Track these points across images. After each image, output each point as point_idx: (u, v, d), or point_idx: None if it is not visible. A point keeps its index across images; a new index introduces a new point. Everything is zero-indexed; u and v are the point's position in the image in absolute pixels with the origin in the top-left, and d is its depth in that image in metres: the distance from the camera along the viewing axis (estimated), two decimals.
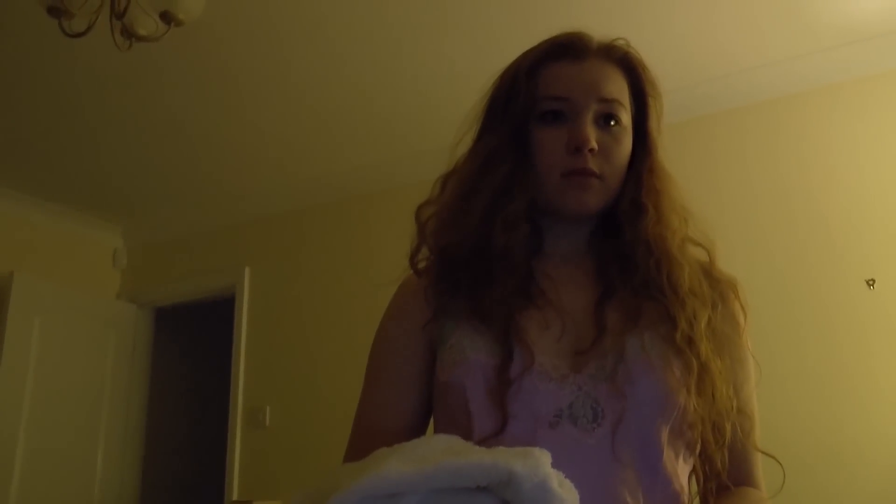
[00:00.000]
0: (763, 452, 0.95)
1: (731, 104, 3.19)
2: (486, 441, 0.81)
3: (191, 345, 5.20)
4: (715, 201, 3.07)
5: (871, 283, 2.77)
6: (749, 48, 2.99)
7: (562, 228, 0.98)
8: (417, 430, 0.97)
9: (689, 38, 2.91)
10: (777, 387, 2.78)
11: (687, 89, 3.18)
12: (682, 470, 0.87)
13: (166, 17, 2.35)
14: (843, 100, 3.01)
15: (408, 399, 0.96)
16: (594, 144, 0.91)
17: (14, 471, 3.74)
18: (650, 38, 2.86)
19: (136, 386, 4.47)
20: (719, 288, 0.96)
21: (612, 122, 0.94)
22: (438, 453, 0.60)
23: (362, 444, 0.93)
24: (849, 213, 2.89)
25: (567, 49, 0.96)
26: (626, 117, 0.96)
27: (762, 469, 0.95)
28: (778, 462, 0.94)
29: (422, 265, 1.00)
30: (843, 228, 2.88)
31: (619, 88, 0.96)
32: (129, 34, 2.35)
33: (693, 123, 3.20)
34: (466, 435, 0.81)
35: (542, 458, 0.59)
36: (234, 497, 3.89)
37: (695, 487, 0.93)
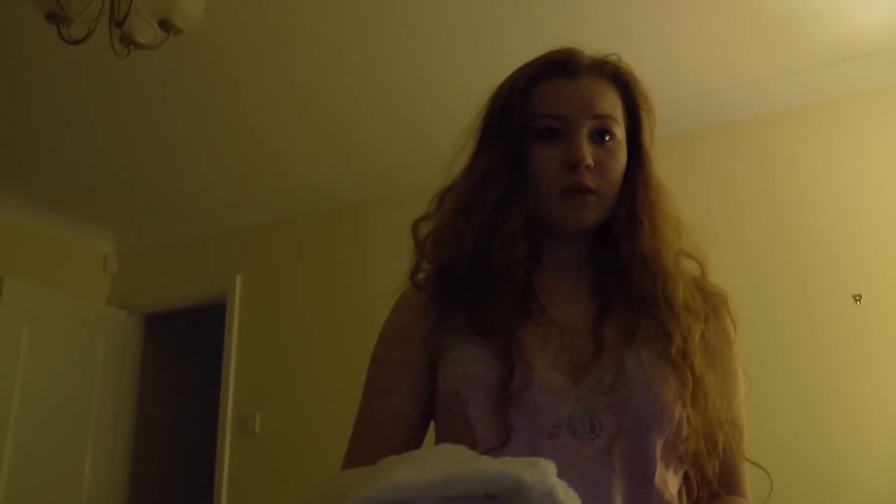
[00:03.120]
0: (751, 462, 0.97)
1: (720, 119, 3.23)
2: (489, 453, 0.83)
3: (181, 351, 5.18)
4: (703, 215, 3.06)
5: (857, 298, 2.81)
6: (739, 65, 3.03)
7: (559, 243, 1.00)
8: (416, 440, 0.98)
9: (681, 53, 2.95)
10: (765, 401, 2.80)
11: (677, 103, 3.21)
12: (672, 481, 0.90)
13: (165, 26, 2.36)
14: (831, 117, 3.05)
15: (408, 408, 0.97)
16: (590, 161, 0.93)
17: (2, 477, 3.71)
18: (642, 52, 2.90)
19: (125, 392, 4.45)
20: (711, 301, 0.99)
21: (607, 138, 0.96)
22: (447, 462, 0.62)
23: (362, 451, 0.96)
24: (836, 228, 2.93)
25: (560, 66, 0.98)
26: (620, 132, 0.98)
27: (750, 478, 0.98)
28: (766, 472, 0.97)
29: (420, 276, 1.02)
30: (830, 243, 2.92)
31: (612, 104, 0.98)
32: (128, 42, 2.35)
33: (683, 137, 3.24)
34: (469, 447, 0.83)
35: (549, 468, 0.61)
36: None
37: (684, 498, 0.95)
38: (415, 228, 1.02)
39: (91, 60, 2.85)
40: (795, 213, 3.02)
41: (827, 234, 2.94)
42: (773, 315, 2.91)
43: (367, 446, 0.95)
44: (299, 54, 2.96)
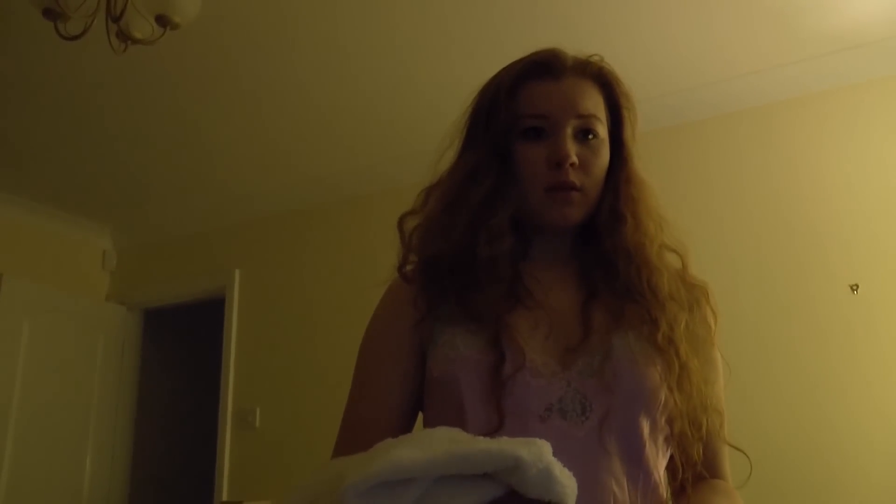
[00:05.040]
0: (732, 446, 1.01)
1: (724, 109, 3.24)
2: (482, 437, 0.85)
3: (180, 347, 5.19)
4: (705, 204, 3.13)
5: (854, 288, 2.82)
6: (742, 54, 3.04)
7: (545, 238, 1.03)
8: (406, 428, 1.00)
9: (685, 43, 2.96)
10: (763, 390, 2.83)
11: (681, 93, 3.23)
12: (660, 462, 0.93)
13: (162, 21, 2.37)
14: (833, 106, 3.06)
15: (397, 396, 0.98)
16: (575, 159, 0.96)
17: (2, 473, 3.73)
18: (646, 43, 2.91)
19: (124, 387, 4.47)
20: (693, 292, 1.02)
21: (591, 136, 0.99)
22: (444, 442, 0.63)
23: (352, 439, 0.97)
24: (836, 218, 2.94)
25: (545, 67, 1.01)
26: (602, 130, 1.00)
27: (731, 462, 1.02)
28: (745, 455, 1.01)
29: (408, 268, 1.04)
30: (830, 233, 2.93)
31: (595, 103, 1.00)
32: (125, 37, 2.36)
33: (687, 127, 3.26)
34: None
35: (545, 447, 0.63)
36: (224, 498, 3.89)
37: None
38: (401, 223, 1.05)
39: (88, 56, 2.85)
40: (797, 202, 3.03)
41: (827, 223, 2.95)
42: (773, 303, 2.94)
43: (357, 436, 0.97)
44: (299, 46, 2.95)
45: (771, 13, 2.78)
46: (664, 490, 0.93)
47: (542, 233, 1.02)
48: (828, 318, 2.85)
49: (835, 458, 2.71)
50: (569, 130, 0.97)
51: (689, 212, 3.07)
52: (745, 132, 3.20)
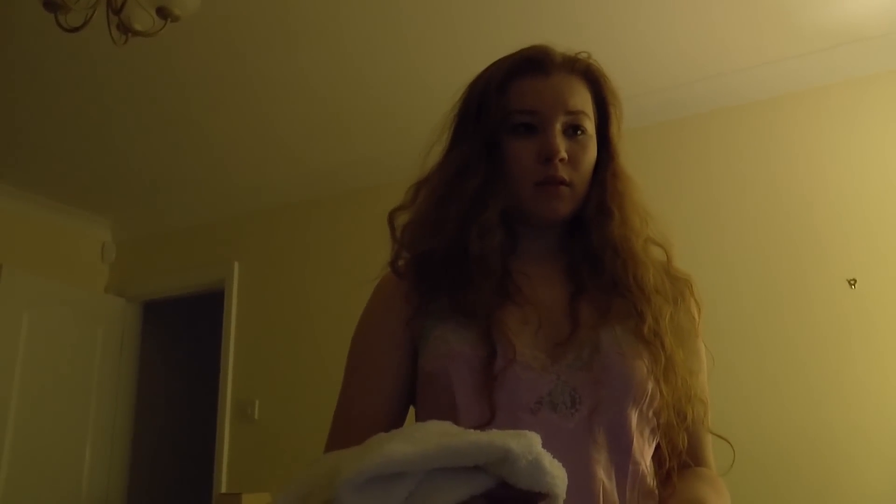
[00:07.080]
0: (715, 434, 1.04)
1: (724, 103, 3.25)
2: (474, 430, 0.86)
3: (179, 339, 5.21)
4: (705, 197, 3.14)
5: (852, 282, 2.83)
6: (743, 49, 3.04)
7: (534, 232, 1.04)
8: (398, 422, 1.01)
9: (685, 37, 2.96)
10: (762, 381, 2.84)
11: (681, 87, 3.24)
12: (647, 452, 0.95)
13: (162, 13, 2.37)
14: (832, 101, 3.07)
15: (389, 390, 1.00)
16: (564, 154, 0.98)
17: (2, 462, 3.74)
18: (647, 37, 2.91)
19: (124, 379, 4.48)
20: (678, 285, 1.04)
21: (579, 132, 1.01)
22: (436, 436, 0.64)
23: (345, 433, 0.98)
24: (835, 212, 2.95)
25: (534, 63, 1.02)
26: (590, 126, 1.02)
27: (715, 450, 1.05)
28: (729, 444, 1.04)
29: (399, 264, 1.05)
30: (829, 227, 2.94)
31: (583, 100, 1.02)
32: (126, 29, 2.36)
33: (687, 121, 3.26)
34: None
35: (535, 439, 0.64)
36: (223, 490, 3.91)
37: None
38: (391, 218, 1.07)
39: (89, 49, 2.85)
40: (796, 196, 3.03)
41: (825, 217, 2.96)
42: (769, 297, 2.95)
43: (350, 430, 0.98)
44: (301, 38, 2.95)
45: (772, 7, 2.78)
46: (651, 479, 0.95)
47: (530, 227, 1.03)
48: (825, 313, 2.86)
49: (830, 452, 2.73)
50: (558, 126, 0.99)
51: (688, 205, 3.11)
52: (745, 126, 3.21)
